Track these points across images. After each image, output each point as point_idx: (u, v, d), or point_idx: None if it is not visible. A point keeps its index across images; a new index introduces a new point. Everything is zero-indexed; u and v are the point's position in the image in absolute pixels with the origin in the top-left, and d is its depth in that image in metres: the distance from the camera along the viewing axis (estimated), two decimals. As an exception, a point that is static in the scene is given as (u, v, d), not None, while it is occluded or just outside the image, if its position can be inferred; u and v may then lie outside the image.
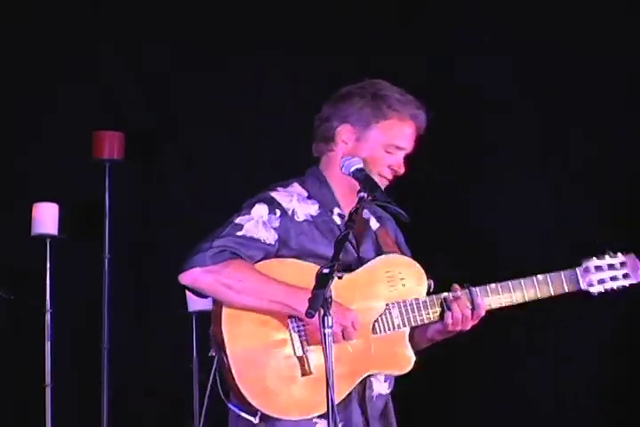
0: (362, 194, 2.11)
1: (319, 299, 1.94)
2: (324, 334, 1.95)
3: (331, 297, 1.97)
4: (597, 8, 3.17)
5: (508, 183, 3.25)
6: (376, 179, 2.19)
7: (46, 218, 3.48)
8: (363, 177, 2.15)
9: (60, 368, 3.48)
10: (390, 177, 2.22)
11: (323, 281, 1.97)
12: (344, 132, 2.21)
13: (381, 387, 2.20)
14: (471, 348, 2.92)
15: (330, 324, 1.96)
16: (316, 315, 1.98)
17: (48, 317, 3.48)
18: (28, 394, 3.48)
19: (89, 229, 3.56)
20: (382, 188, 2.20)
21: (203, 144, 3.45)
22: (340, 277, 2.04)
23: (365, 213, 2.28)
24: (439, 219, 3.01)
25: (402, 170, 2.22)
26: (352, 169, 2.18)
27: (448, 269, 2.26)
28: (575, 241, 2.99)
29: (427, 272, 2.21)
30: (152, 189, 3.53)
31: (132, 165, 3.56)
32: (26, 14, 3.42)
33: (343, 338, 2.10)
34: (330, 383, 1.94)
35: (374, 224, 2.28)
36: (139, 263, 3.53)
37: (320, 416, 2.12)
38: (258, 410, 2.12)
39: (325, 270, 1.97)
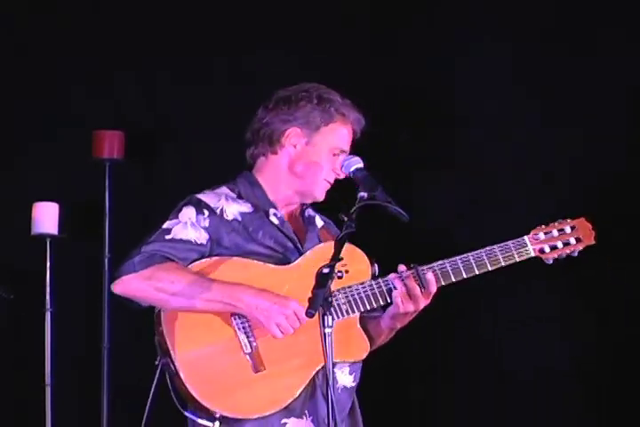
0: (361, 193, 2.12)
1: (319, 298, 1.95)
2: (324, 334, 1.95)
3: (330, 296, 1.97)
4: (597, 8, 3.16)
5: (502, 181, 3.26)
6: (321, 185, 2.22)
7: (46, 217, 3.49)
8: (363, 176, 2.15)
9: (60, 368, 3.47)
10: (332, 181, 2.24)
11: (322, 280, 1.97)
12: (293, 136, 2.22)
13: (346, 379, 2.19)
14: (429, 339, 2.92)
15: (330, 323, 1.96)
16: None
17: (48, 316, 3.49)
18: (27, 394, 3.50)
19: (89, 228, 3.57)
20: (324, 193, 2.21)
21: (203, 144, 3.46)
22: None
23: (309, 212, 2.29)
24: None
25: (343, 174, 2.21)
26: (352, 169, 2.18)
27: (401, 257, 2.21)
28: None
29: (371, 257, 2.18)
30: (152, 188, 3.53)
31: (132, 165, 3.57)
32: (26, 14, 3.43)
33: (291, 327, 2.08)
34: (330, 383, 1.95)
35: (319, 222, 2.29)
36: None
37: (288, 415, 2.11)
38: (215, 413, 2.09)
39: (325, 270, 1.97)
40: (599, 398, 3.16)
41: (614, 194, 3.18)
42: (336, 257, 2.01)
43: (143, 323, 2.74)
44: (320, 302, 1.95)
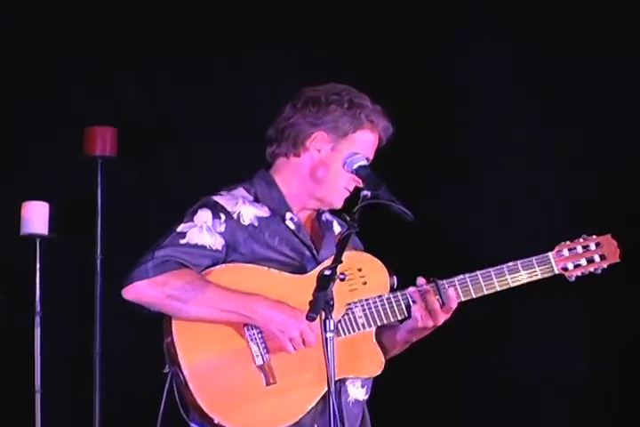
0: (364, 192, 2.10)
1: (320, 301, 1.93)
2: (326, 339, 1.93)
3: (332, 300, 1.94)
4: (597, 8, 3.17)
5: (504, 183, 3.26)
6: (341, 193, 2.19)
7: (36, 217, 3.43)
8: (366, 174, 2.14)
9: (50, 374, 3.43)
10: (352, 189, 2.21)
11: (324, 283, 1.95)
12: (319, 140, 2.20)
13: (358, 393, 2.17)
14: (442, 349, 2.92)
15: (331, 327, 1.94)
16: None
17: (38, 320, 3.44)
18: (17, 400, 3.43)
19: (80, 228, 3.50)
20: (343, 201, 2.19)
21: (199, 140, 3.42)
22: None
23: (327, 216, 2.27)
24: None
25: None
26: (355, 166, 2.16)
27: (416, 268, 2.21)
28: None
29: (390, 269, 2.18)
30: (146, 186, 3.47)
31: (125, 162, 3.50)
32: (26, 14, 3.39)
33: (303, 343, 2.07)
34: (330, 390, 1.93)
35: (336, 227, 2.27)
36: (132, 265, 3.47)
37: None
38: (222, 426, 2.07)
39: (327, 272, 1.96)
40: (614, 410, 3.16)
41: (616, 193, 3.18)
42: (338, 258, 1.98)
43: (137, 327, 2.70)
44: (321, 305, 1.92)
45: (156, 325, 3.40)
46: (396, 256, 2.18)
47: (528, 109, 3.24)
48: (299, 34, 3.30)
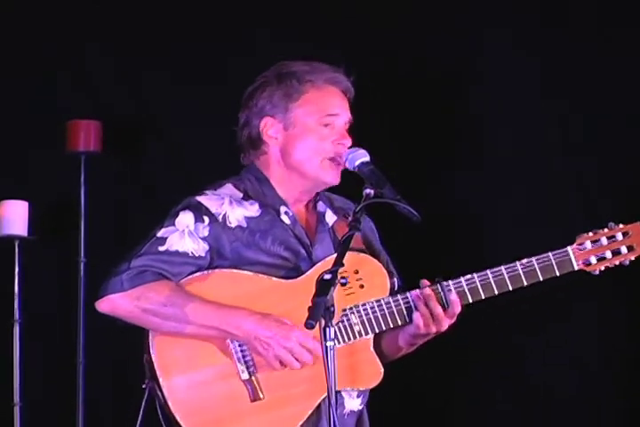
0: (367, 190, 2.01)
1: (320, 308, 1.84)
2: (326, 348, 1.84)
3: (333, 306, 1.87)
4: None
5: (516, 168, 3.15)
6: (324, 165, 2.07)
7: (15, 217, 3.39)
8: (369, 171, 2.04)
9: (30, 385, 3.34)
10: (338, 156, 2.07)
11: (324, 288, 1.86)
12: (269, 127, 2.12)
13: (353, 403, 2.10)
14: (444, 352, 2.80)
15: (332, 336, 1.85)
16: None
17: (17, 328, 3.36)
18: (-6, 414, 3.46)
19: (62, 229, 3.45)
20: (339, 174, 2.07)
21: (190, 135, 3.35)
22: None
23: (320, 206, 2.17)
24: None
25: (348, 141, 2.07)
26: (357, 163, 2.08)
27: (422, 266, 2.11)
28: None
29: (395, 268, 2.11)
30: (133, 185, 3.42)
31: (110, 159, 3.45)
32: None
33: (297, 361, 1.99)
34: (331, 403, 1.85)
35: (330, 218, 2.16)
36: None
37: None
38: None
39: (327, 276, 1.87)
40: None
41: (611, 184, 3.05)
42: (339, 261, 1.91)
43: (122, 336, 2.56)
44: (321, 311, 1.84)
45: (143, 333, 3.26)
46: (400, 253, 2.09)
47: (544, 106, 3.12)
48: (293, 29, 3.19)
